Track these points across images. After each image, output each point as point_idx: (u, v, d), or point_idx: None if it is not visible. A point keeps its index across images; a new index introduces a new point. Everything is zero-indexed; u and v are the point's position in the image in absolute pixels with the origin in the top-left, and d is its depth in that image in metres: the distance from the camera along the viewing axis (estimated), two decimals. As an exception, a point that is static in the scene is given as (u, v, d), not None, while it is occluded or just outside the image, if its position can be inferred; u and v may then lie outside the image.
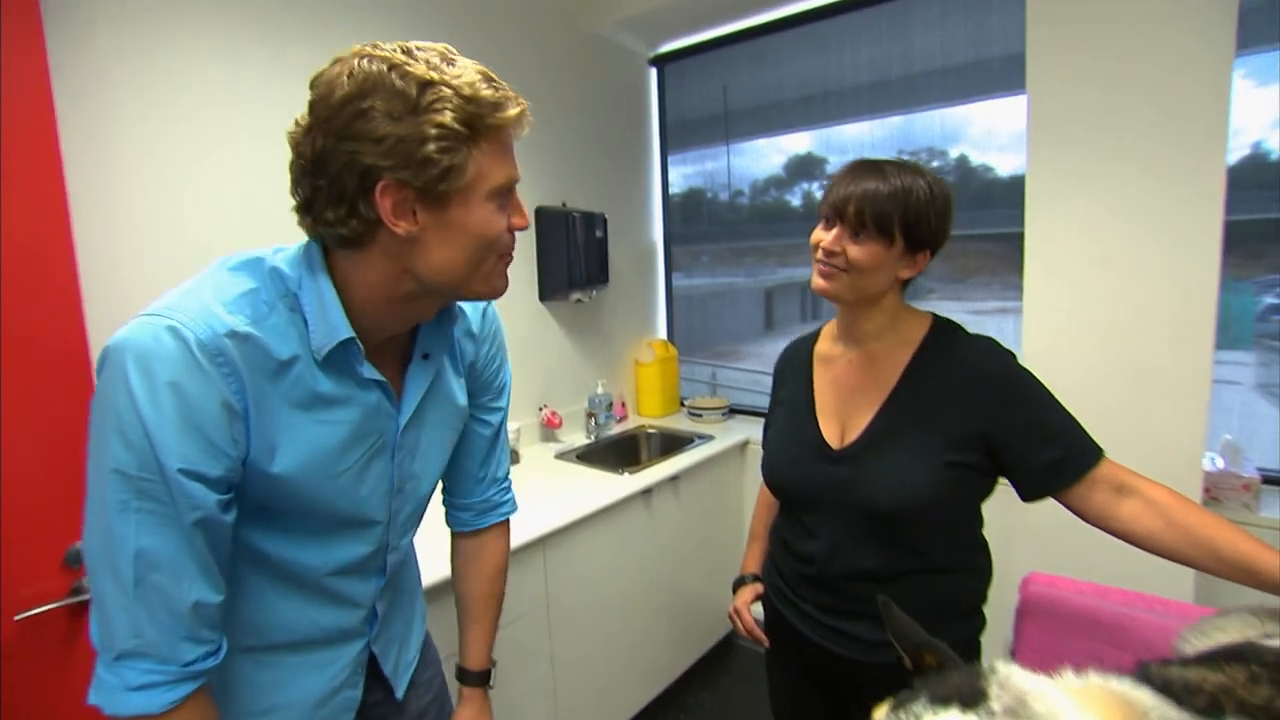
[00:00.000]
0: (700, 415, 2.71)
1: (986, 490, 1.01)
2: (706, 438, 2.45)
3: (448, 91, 0.62)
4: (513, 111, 0.66)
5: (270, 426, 0.68)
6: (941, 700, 0.63)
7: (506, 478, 1.06)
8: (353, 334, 0.69)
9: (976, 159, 2.18)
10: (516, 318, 2.30)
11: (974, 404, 0.95)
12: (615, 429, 2.60)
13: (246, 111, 1.58)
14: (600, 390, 2.53)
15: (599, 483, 2.02)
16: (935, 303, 2.34)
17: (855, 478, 0.99)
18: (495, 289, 0.74)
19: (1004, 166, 2.13)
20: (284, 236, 0.74)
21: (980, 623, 1.06)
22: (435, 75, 0.62)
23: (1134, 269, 1.61)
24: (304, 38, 1.69)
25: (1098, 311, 1.67)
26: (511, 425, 2.20)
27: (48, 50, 1.15)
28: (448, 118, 0.61)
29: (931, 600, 0.99)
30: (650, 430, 2.64)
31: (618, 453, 2.49)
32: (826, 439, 1.04)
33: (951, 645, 0.96)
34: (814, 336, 1.19)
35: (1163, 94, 1.53)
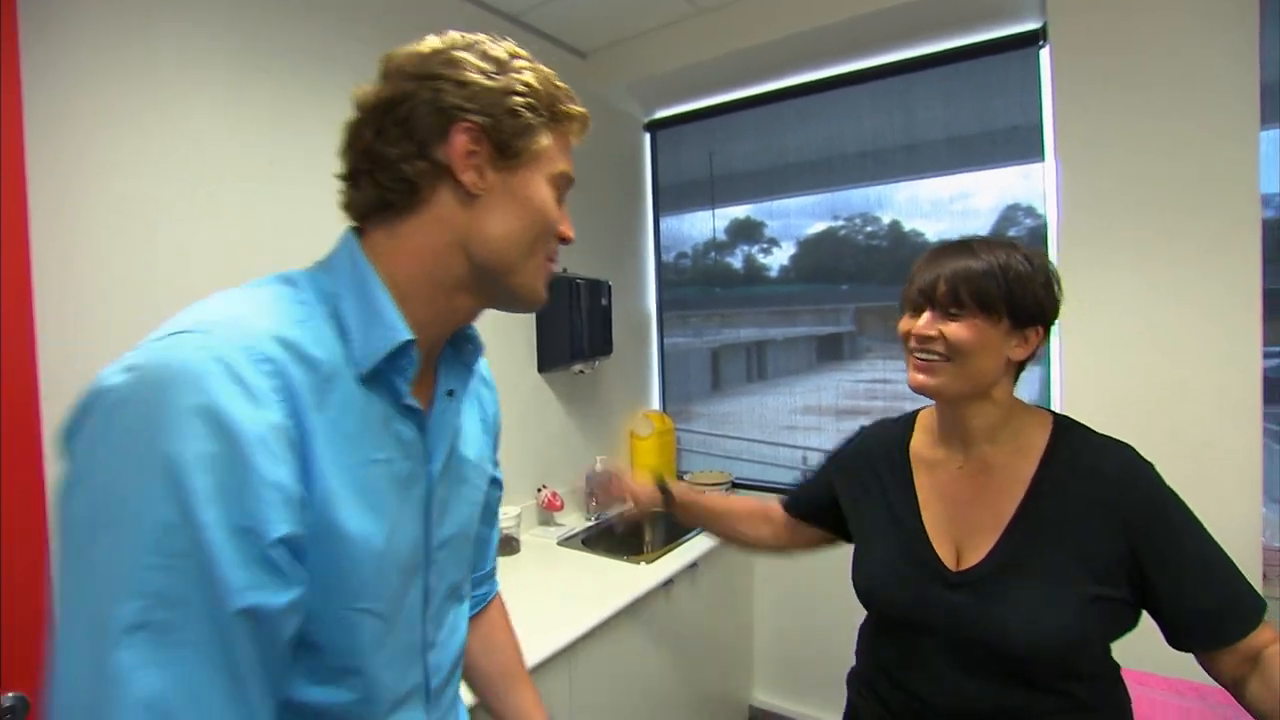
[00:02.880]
0: (702, 491, 2.56)
1: (1131, 624, 0.85)
2: (717, 516, 2.30)
3: (533, 66, 0.63)
4: (582, 110, 0.66)
5: (327, 467, 0.52)
6: None
7: None
8: (412, 336, 0.58)
9: (907, 225, 2.31)
10: (514, 390, 2.13)
11: (1113, 529, 0.80)
12: (614, 508, 2.41)
13: (212, 158, 1.42)
14: (599, 467, 2.36)
15: (613, 573, 1.84)
16: (873, 361, 2.46)
17: (981, 608, 0.84)
18: (538, 290, 0.66)
19: (931, 231, 2.27)
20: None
21: None
22: (524, 53, 0.63)
23: (1174, 343, 1.60)
24: (269, 87, 1.55)
25: (1139, 387, 1.64)
26: (511, 510, 2.00)
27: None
28: (533, 80, 0.61)
29: None
30: (654, 509, 2.46)
31: (621, 536, 2.30)
32: (943, 559, 0.88)
33: None
34: (907, 427, 1.03)
35: (1191, 165, 1.55)
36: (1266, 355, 1.74)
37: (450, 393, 0.67)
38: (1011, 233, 2.07)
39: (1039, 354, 0.89)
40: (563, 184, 0.65)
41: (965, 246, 0.87)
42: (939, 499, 0.93)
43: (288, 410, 0.49)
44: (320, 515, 0.51)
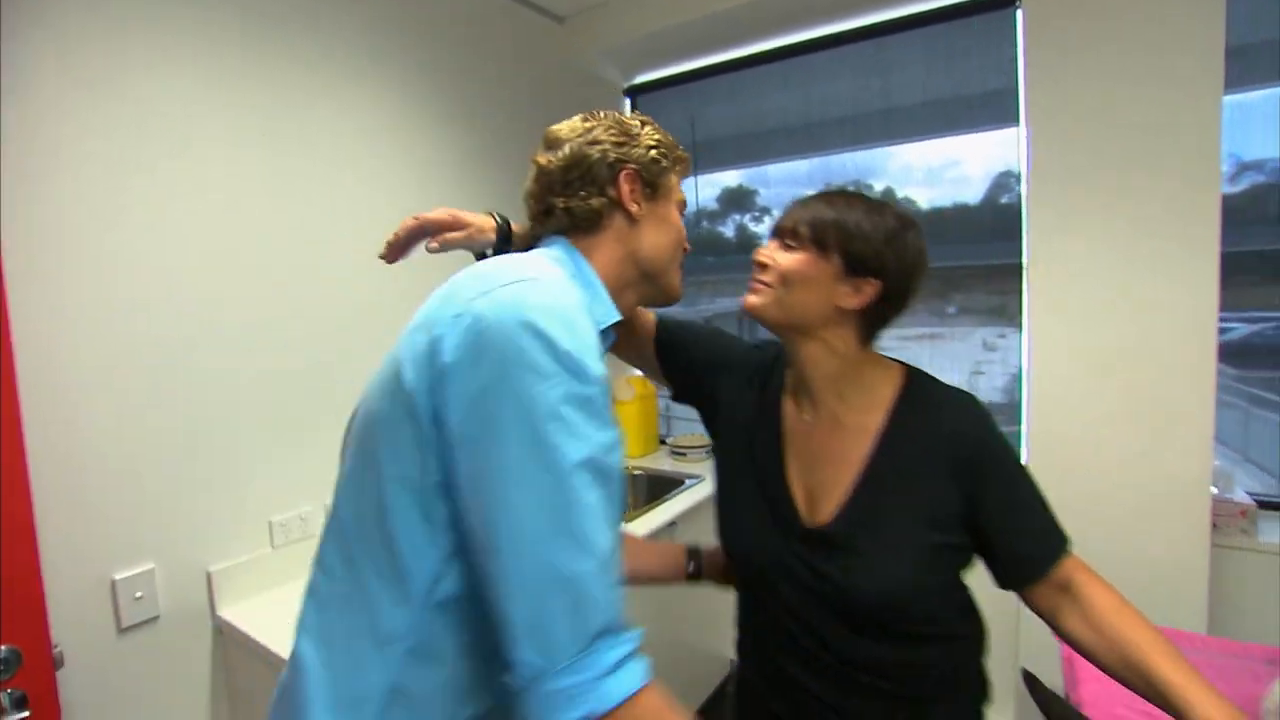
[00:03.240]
0: (684, 454, 2.61)
1: (969, 562, 0.89)
2: (696, 478, 2.36)
3: (653, 126, 0.88)
4: (686, 155, 0.91)
5: None
6: None
7: None
8: (621, 315, 0.82)
9: (900, 193, 2.30)
10: (495, 357, 2.16)
11: (952, 480, 0.83)
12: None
13: (199, 122, 1.43)
14: (581, 431, 2.41)
15: (593, 532, 1.89)
16: None
17: (831, 563, 0.86)
18: (678, 286, 0.91)
19: (922, 199, 2.25)
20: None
21: (983, 693, 0.94)
22: (645, 119, 0.88)
23: (1135, 303, 1.63)
24: (260, 56, 1.54)
25: (1101, 344, 1.69)
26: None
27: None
28: (659, 136, 0.87)
29: (936, 683, 0.88)
30: (636, 472, 2.52)
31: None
32: (800, 510, 0.90)
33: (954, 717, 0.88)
34: (781, 370, 1.00)
35: (1156, 129, 1.57)
36: (1248, 321, 1.80)
37: None
38: (1004, 200, 2.08)
39: (889, 319, 0.89)
40: (682, 208, 0.90)
41: (830, 197, 0.88)
42: (798, 452, 0.93)
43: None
44: None
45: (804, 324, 0.87)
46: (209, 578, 1.44)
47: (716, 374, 1.04)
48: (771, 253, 0.88)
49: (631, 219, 0.83)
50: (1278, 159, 1.71)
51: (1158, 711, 0.77)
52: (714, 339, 1.09)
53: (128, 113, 1.31)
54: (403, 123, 1.86)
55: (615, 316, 0.81)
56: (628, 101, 2.78)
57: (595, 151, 0.81)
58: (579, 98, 2.48)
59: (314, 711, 0.65)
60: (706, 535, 2.21)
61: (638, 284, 0.87)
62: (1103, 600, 0.80)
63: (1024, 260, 1.86)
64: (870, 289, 0.85)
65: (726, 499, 0.99)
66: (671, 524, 2.04)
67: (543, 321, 0.61)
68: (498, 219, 0.94)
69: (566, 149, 0.82)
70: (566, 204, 0.82)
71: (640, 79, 2.71)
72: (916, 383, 0.90)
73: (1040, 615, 0.87)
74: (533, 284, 0.66)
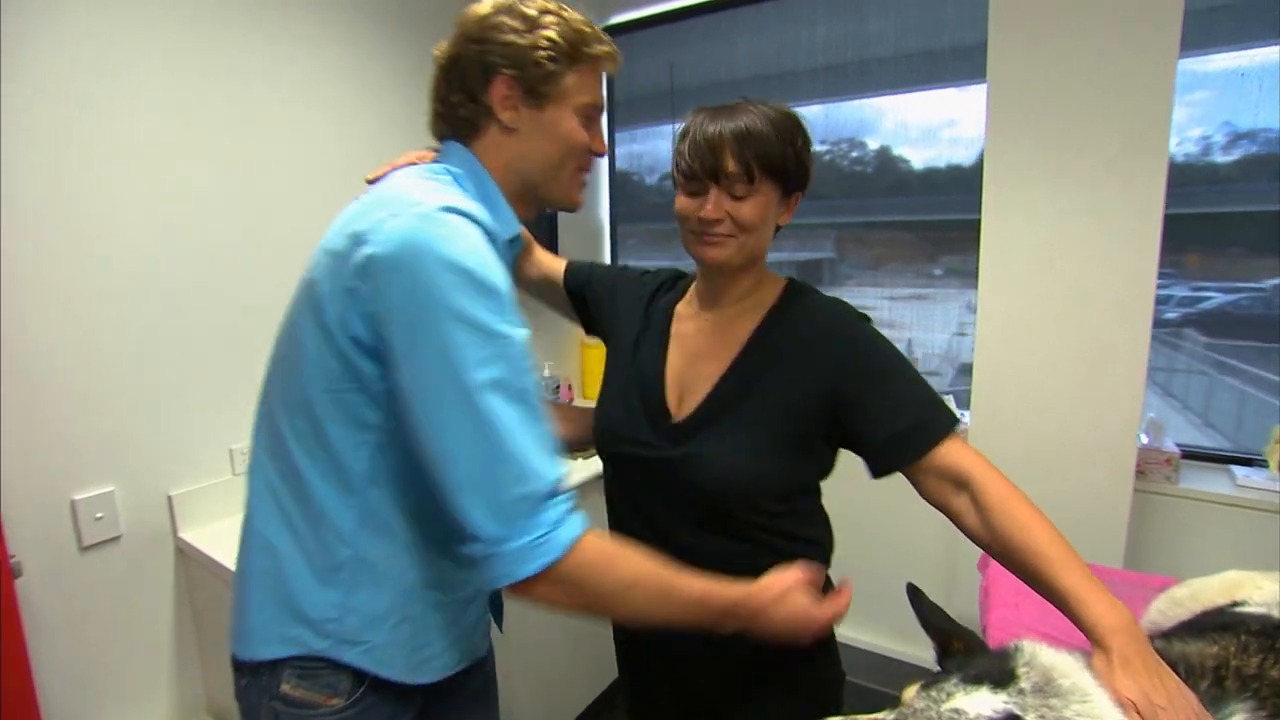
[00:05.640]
0: (649, 398, 2.66)
1: (828, 467, 0.92)
2: (658, 421, 2.41)
3: (559, 19, 0.79)
4: (605, 49, 0.83)
5: None
6: (973, 680, 0.62)
7: None
8: (521, 227, 0.84)
9: (894, 150, 2.28)
10: (461, 297, 2.17)
11: (822, 368, 0.85)
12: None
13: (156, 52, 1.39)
14: (547, 373, 2.45)
15: (554, 470, 1.94)
16: (852, 289, 2.44)
17: (687, 456, 0.87)
18: (572, 197, 0.87)
19: (916, 159, 2.23)
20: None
21: None
22: (552, 7, 0.79)
23: (1083, 256, 1.68)
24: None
25: (1048, 296, 1.74)
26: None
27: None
28: (555, 34, 0.77)
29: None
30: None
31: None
32: (670, 409, 0.92)
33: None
34: (683, 290, 1.04)
35: (1111, 85, 1.59)
36: (1225, 290, 1.83)
37: None
38: None
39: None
40: (591, 111, 0.83)
41: (730, 109, 0.85)
42: (681, 352, 0.96)
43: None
44: None
45: (756, 256, 0.91)
46: (170, 501, 1.48)
47: (615, 299, 1.09)
48: (721, 206, 0.84)
49: (505, 128, 0.79)
50: (1273, 129, 1.72)
51: (1058, 631, 0.80)
52: (612, 273, 1.16)
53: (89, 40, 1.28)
54: (364, 58, 1.82)
55: (515, 229, 0.82)
56: (602, 42, 2.72)
57: (472, 51, 0.77)
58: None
59: (303, 585, 0.75)
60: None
61: (523, 195, 0.84)
62: (997, 499, 0.77)
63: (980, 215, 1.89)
64: (796, 202, 0.90)
65: (603, 393, 1.03)
66: (631, 464, 2.10)
67: (443, 246, 0.65)
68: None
69: (448, 45, 0.80)
70: (443, 108, 0.81)
71: (616, 19, 2.65)
72: (796, 289, 0.94)
73: (936, 507, 0.85)
74: (431, 208, 0.68)
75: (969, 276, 2.22)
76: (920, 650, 1.97)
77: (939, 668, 0.70)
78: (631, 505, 0.97)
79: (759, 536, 0.89)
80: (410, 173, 0.77)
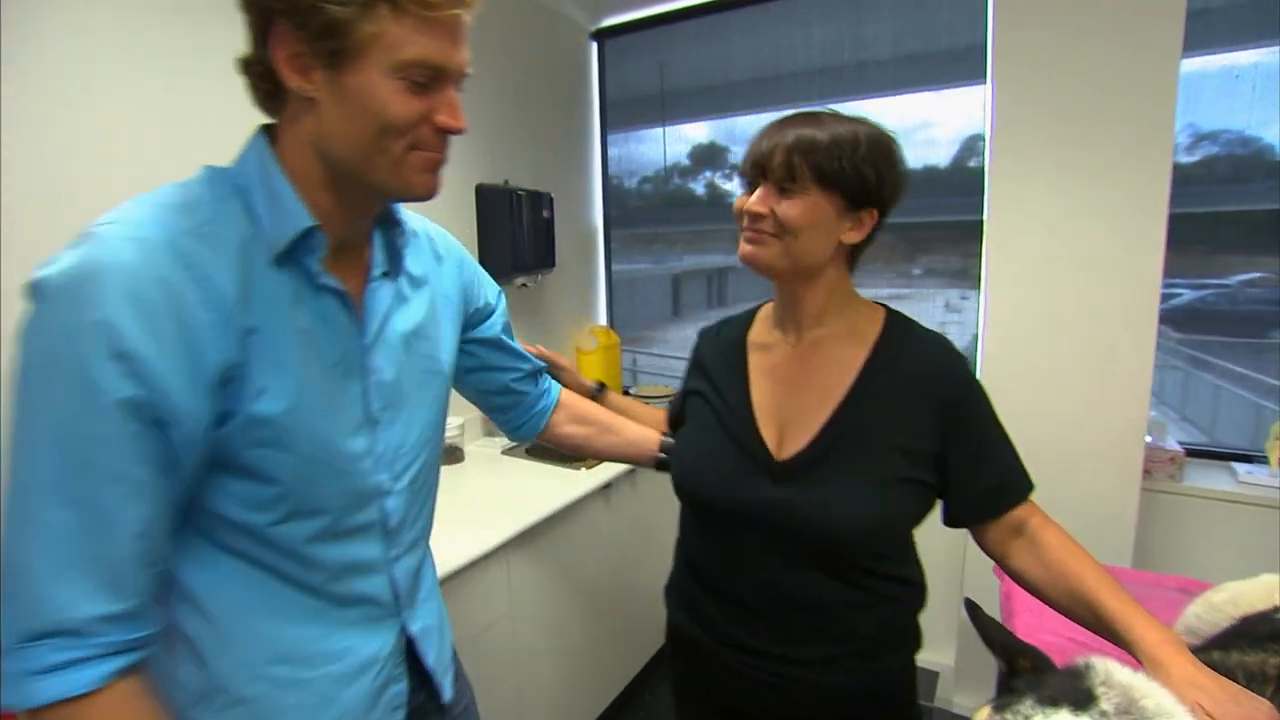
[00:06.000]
0: (647, 403, 2.63)
1: (930, 508, 0.89)
2: (658, 428, 2.38)
3: None
4: None
5: (257, 347, 0.61)
6: (1049, 701, 0.59)
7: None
8: (314, 222, 0.64)
9: None
10: (457, 304, 2.13)
11: (934, 413, 0.83)
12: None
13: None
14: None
15: (554, 479, 1.91)
16: None
17: (799, 498, 0.83)
18: (410, 183, 0.65)
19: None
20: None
21: (918, 643, 0.94)
22: None
23: (1087, 258, 1.68)
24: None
25: (1053, 297, 1.74)
26: (453, 420, 2.03)
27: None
28: None
29: (882, 626, 0.89)
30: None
31: (566, 446, 2.38)
32: (768, 445, 0.87)
33: (892, 669, 0.91)
34: (747, 319, 1.00)
35: (1115, 86, 1.60)
36: (1193, 287, 1.86)
37: (385, 274, 0.75)
38: (973, 164, 2.08)
39: (874, 240, 0.87)
40: (417, 68, 0.59)
41: (812, 117, 0.82)
42: (768, 380, 0.91)
43: (205, 296, 0.58)
44: (248, 392, 0.61)
45: (810, 268, 0.85)
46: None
47: (690, 388, 1.05)
48: (767, 201, 0.81)
49: (302, 99, 0.60)
50: (1233, 130, 1.75)
51: (1082, 635, 0.82)
52: (682, 388, 1.09)
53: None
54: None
55: (297, 225, 0.62)
56: (594, 45, 2.70)
57: None
58: (541, 40, 2.40)
59: None
60: (661, 482, 2.26)
61: (336, 183, 0.65)
62: (1053, 539, 0.82)
63: (984, 215, 1.89)
64: (870, 220, 0.84)
65: (690, 449, 0.97)
66: (631, 471, 2.07)
67: (56, 286, 0.54)
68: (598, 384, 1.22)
69: None
70: (245, 76, 0.63)
71: (609, 21, 2.63)
72: (897, 320, 0.91)
73: (989, 552, 0.89)
74: (96, 238, 0.56)
75: (947, 276, 2.24)
76: (932, 655, 1.96)
77: (1005, 686, 0.67)
78: (723, 547, 0.92)
79: (864, 580, 0.86)
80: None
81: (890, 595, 0.88)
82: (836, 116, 0.82)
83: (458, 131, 0.65)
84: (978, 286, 2.06)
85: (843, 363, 0.88)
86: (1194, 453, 1.87)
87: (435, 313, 0.82)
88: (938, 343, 0.89)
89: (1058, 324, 1.73)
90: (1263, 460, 1.81)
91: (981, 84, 1.98)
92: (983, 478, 0.85)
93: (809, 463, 0.85)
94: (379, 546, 0.75)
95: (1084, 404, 1.71)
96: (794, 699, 0.89)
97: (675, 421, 1.11)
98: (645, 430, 1.12)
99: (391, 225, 0.77)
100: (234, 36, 0.63)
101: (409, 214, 0.83)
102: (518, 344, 1.02)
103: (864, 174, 0.80)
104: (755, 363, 0.94)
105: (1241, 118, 1.74)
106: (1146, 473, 1.79)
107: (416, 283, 0.80)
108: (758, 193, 0.82)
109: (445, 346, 0.84)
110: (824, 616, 0.86)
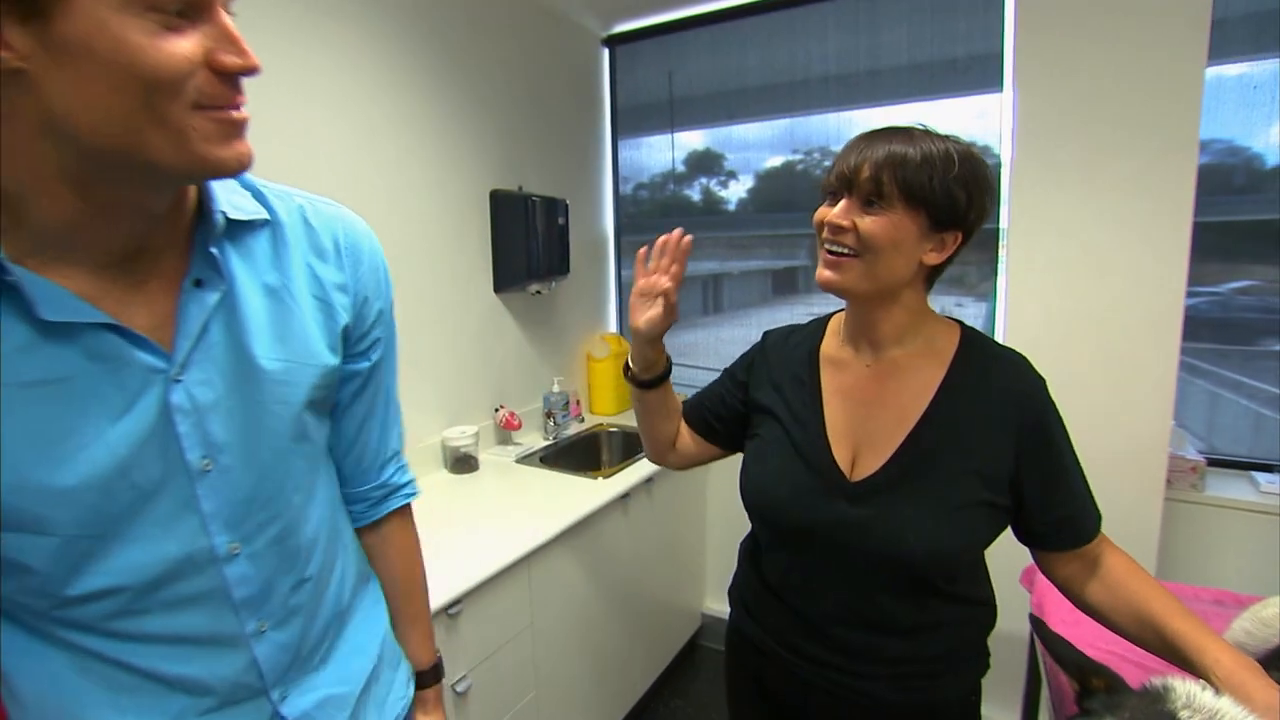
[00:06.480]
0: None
1: (1003, 529, 0.88)
2: (672, 436, 2.36)
3: None
4: None
5: None
6: None
7: (400, 454, 0.84)
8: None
9: None
10: (470, 311, 2.11)
11: (1011, 437, 0.82)
12: (572, 429, 2.45)
13: None
14: (556, 388, 2.38)
15: (571, 488, 1.89)
16: (826, 296, 2.35)
17: (875, 519, 0.82)
18: (204, 157, 0.49)
19: None
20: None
21: (986, 664, 0.93)
22: None
23: (1110, 267, 1.68)
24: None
25: (1074, 306, 1.73)
26: (469, 429, 2.02)
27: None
28: None
29: (949, 647, 0.88)
30: (611, 429, 2.51)
31: (580, 454, 2.36)
32: (841, 467, 0.86)
33: (959, 691, 0.90)
34: (818, 330, 0.98)
35: (1139, 94, 1.59)
36: (1191, 294, 1.86)
37: (199, 283, 0.58)
38: None
39: (954, 261, 0.85)
40: (149, 6, 0.44)
41: (903, 132, 0.79)
42: (843, 400, 0.90)
43: None
44: None
45: (890, 289, 0.83)
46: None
47: (745, 397, 1.02)
48: (850, 214, 0.78)
49: (8, 73, 0.43)
50: (1221, 140, 1.76)
51: (1120, 647, 0.85)
52: (724, 381, 1.07)
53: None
54: (366, 64, 1.75)
55: None
56: (606, 52, 2.69)
57: None
58: (553, 46, 2.39)
59: None
60: (675, 491, 2.25)
61: (81, 178, 0.48)
62: (1119, 564, 0.83)
63: (1000, 224, 1.89)
64: (953, 243, 0.81)
65: (760, 465, 0.95)
66: (648, 480, 2.05)
67: None
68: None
69: None
70: None
71: (620, 28, 2.62)
72: (974, 338, 0.89)
73: (1056, 580, 0.88)
74: None
75: (942, 284, 2.21)
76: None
77: (1080, 708, 0.65)
78: (794, 564, 0.91)
79: (934, 601, 0.86)
80: None
81: (959, 618, 0.88)
82: (929, 133, 0.79)
83: (250, 71, 0.49)
84: (979, 295, 2.06)
85: (920, 384, 0.86)
86: (1214, 461, 1.86)
87: (297, 323, 0.64)
88: (1017, 362, 0.87)
89: (1080, 333, 1.72)
90: (1283, 470, 1.81)
91: (997, 92, 1.98)
92: (1055, 508, 0.84)
93: (884, 485, 0.84)
94: (227, 620, 0.62)
95: (1106, 413, 1.70)
96: (855, 709, 0.89)
97: (694, 417, 1.10)
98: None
99: (206, 221, 0.59)
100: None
101: (281, 193, 0.67)
102: (394, 415, 0.82)
103: (954, 195, 0.77)
104: (829, 380, 0.92)
105: (1230, 128, 1.74)
106: (1168, 483, 1.78)
107: (267, 289, 0.63)
108: (841, 205, 0.80)
109: (312, 370, 0.66)
110: (892, 636, 0.86)
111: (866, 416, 0.87)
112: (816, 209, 0.85)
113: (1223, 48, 1.67)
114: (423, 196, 1.90)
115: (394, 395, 0.81)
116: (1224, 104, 1.74)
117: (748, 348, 1.08)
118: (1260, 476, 1.80)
